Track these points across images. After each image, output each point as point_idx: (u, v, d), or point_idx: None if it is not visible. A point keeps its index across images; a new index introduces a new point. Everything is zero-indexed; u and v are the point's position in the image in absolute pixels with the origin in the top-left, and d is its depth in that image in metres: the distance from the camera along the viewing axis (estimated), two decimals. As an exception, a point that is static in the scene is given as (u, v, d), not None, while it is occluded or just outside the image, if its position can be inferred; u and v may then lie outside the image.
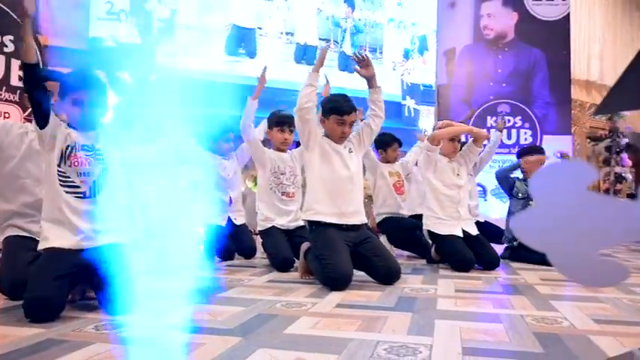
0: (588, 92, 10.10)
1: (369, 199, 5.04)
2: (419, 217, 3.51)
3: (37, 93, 1.81)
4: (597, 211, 0.54)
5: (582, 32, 9.41)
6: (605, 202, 0.55)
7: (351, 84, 5.43)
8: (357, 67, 2.67)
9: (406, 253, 3.94)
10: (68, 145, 1.91)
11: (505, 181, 3.77)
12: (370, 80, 2.70)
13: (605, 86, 10.34)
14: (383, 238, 3.84)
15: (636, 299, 2.21)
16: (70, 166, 1.89)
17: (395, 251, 3.88)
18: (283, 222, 3.28)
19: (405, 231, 3.69)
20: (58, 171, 1.88)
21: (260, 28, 4.80)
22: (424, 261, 3.48)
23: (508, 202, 3.85)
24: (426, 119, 6.21)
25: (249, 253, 3.54)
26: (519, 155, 3.84)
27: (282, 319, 1.73)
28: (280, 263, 2.99)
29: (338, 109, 2.59)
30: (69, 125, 1.96)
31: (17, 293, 1.90)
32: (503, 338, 1.53)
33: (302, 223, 3.21)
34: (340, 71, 5.41)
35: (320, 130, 2.69)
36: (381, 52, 5.73)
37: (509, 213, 3.66)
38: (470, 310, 1.93)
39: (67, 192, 1.87)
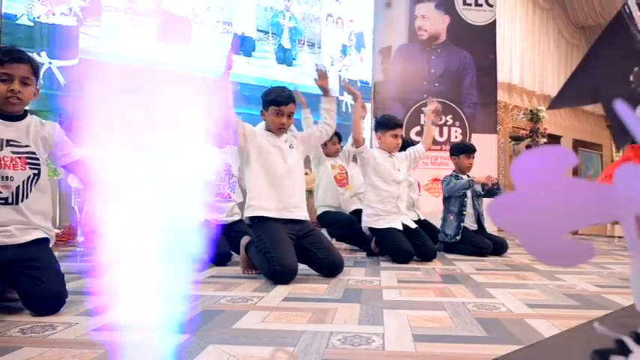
0: (510, 95, 10.73)
1: (308, 194, 5.07)
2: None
3: None
4: (573, 193, 0.56)
5: (505, 39, 9.96)
6: (581, 185, 0.57)
7: (289, 77, 5.42)
8: (316, 78, 2.77)
9: (346, 245, 3.98)
10: None
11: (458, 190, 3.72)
12: (325, 90, 2.79)
13: (525, 90, 11.07)
14: (323, 232, 3.86)
15: (560, 285, 2.38)
16: None
17: (336, 244, 3.92)
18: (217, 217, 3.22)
19: (344, 225, 3.73)
20: None
21: (197, 16, 4.65)
22: (364, 253, 3.53)
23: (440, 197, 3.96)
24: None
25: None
26: (452, 152, 3.95)
27: (230, 315, 1.69)
28: (217, 257, 2.92)
29: (275, 101, 2.60)
30: None
31: None
32: (449, 324, 1.58)
33: (237, 218, 3.18)
34: (278, 64, 5.36)
35: (258, 127, 2.72)
36: (319, 47, 5.74)
37: (448, 211, 3.74)
38: (414, 300, 1.98)
39: None
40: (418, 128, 6.39)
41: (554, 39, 12.21)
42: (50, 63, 3.85)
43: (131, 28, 4.21)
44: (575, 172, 12.81)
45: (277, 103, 2.60)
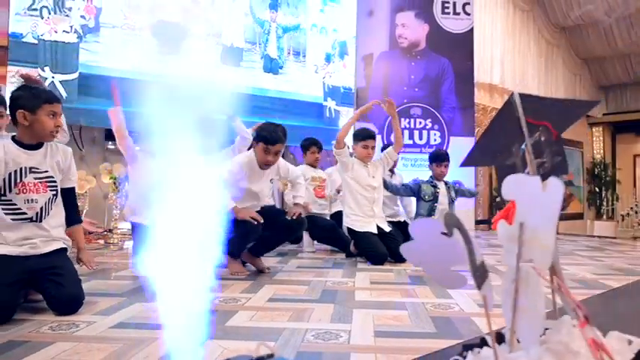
0: (491, 95, 11.06)
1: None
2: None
3: None
4: (445, 246, 0.87)
5: (486, 40, 10.24)
6: (448, 242, 0.87)
7: (275, 85, 5.69)
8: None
9: (327, 247, 4.28)
10: (15, 171, 1.94)
11: (404, 191, 4.06)
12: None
13: (506, 90, 11.41)
14: (306, 235, 4.17)
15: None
16: (17, 193, 1.94)
17: (317, 246, 4.23)
18: None
19: (326, 230, 4.03)
20: (2, 199, 1.92)
21: (188, 29, 4.90)
22: (344, 255, 3.84)
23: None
24: (346, 118, 6.57)
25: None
26: (430, 160, 4.22)
27: (222, 314, 1.98)
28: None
29: (265, 138, 2.88)
30: (13, 139, 2.00)
31: None
32: (407, 322, 1.89)
33: None
34: (265, 73, 5.63)
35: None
36: (304, 56, 6.01)
37: (417, 214, 4.07)
38: (382, 300, 2.28)
39: (12, 219, 1.93)
40: (399, 132, 6.70)
41: (535, 39, 12.53)
42: (53, 77, 4.10)
43: (127, 42, 4.45)
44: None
45: (266, 141, 2.89)
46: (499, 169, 1.04)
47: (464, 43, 6.90)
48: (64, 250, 2.08)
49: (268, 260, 3.51)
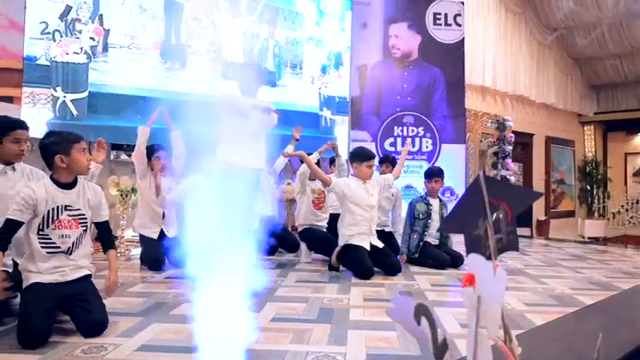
0: (484, 97, 11.30)
1: (289, 202, 5.63)
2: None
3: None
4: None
5: (478, 43, 10.45)
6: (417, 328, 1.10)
7: (273, 97, 5.89)
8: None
9: (323, 257, 4.50)
10: (52, 209, 2.16)
11: (409, 224, 4.29)
12: None
13: (498, 91, 11.65)
14: (303, 245, 4.41)
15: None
16: (53, 229, 2.16)
17: (313, 255, 4.46)
18: None
19: (322, 241, 4.26)
20: (40, 233, 2.15)
21: (189, 46, 5.10)
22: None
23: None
24: (341, 127, 6.81)
25: (180, 263, 3.93)
26: (425, 176, 4.44)
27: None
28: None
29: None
30: (51, 178, 2.23)
31: None
32: (395, 344, 2.13)
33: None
34: (263, 85, 5.83)
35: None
36: (300, 68, 6.21)
37: (413, 231, 4.25)
38: (373, 320, 2.52)
39: (47, 252, 2.16)
40: (392, 139, 6.95)
41: (527, 41, 12.74)
42: (64, 97, 4.32)
43: (134, 61, 4.65)
44: (548, 168, 13.53)
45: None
46: (467, 238, 1.26)
47: (455, 53, 7.13)
48: (89, 276, 2.32)
49: (268, 273, 3.76)
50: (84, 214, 2.27)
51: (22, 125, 2.50)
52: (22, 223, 2.13)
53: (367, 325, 2.41)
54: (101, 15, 4.49)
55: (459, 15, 7.14)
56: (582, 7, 12.09)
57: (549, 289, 3.32)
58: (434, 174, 4.31)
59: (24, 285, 2.17)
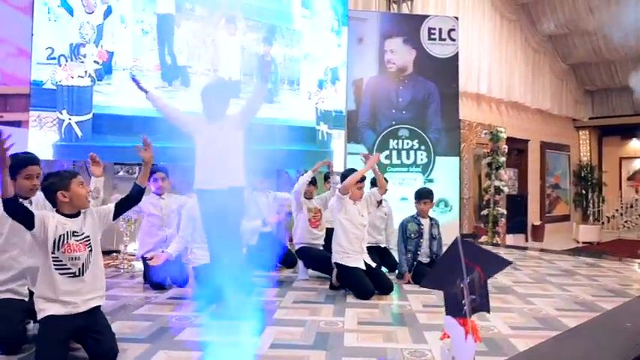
0: (479, 104, 11.45)
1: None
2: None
3: (17, 214, 2.29)
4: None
5: (473, 51, 10.59)
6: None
7: (271, 113, 6.05)
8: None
9: (319, 274, 4.64)
10: (61, 235, 2.35)
11: (402, 241, 4.42)
12: None
13: (493, 98, 11.79)
14: (300, 263, 4.55)
15: (485, 326, 3.09)
16: (63, 252, 2.35)
17: (310, 272, 4.60)
18: None
19: (318, 259, 4.41)
20: (53, 257, 2.33)
21: (190, 67, 5.24)
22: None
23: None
24: (337, 140, 6.95)
25: (182, 282, 4.07)
26: (415, 197, 4.57)
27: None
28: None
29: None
30: (57, 211, 2.41)
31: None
32: (386, 373, 2.28)
33: None
34: (260, 102, 5.98)
35: None
36: (298, 84, 6.36)
37: (407, 250, 4.39)
38: (367, 346, 2.67)
39: (60, 273, 2.34)
40: (387, 152, 7.10)
41: (522, 48, 12.87)
42: (70, 119, 4.47)
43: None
44: (543, 173, 13.70)
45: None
46: (446, 294, 1.41)
47: (449, 67, 7.28)
48: (99, 307, 2.48)
49: (266, 292, 3.91)
50: (89, 237, 2.46)
51: (33, 161, 2.68)
52: (33, 214, 2.31)
53: (360, 352, 2.56)
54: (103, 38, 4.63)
55: (454, 30, 7.29)
56: (576, 15, 12.23)
57: (535, 310, 3.47)
58: (423, 196, 4.44)
59: (39, 317, 2.32)
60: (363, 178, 4.07)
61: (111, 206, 2.65)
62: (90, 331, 2.35)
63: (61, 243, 2.35)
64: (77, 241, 2.40)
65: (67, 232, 2.38)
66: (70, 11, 4.45)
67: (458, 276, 1.38)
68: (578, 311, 3.47)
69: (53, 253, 2.34)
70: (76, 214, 2.46)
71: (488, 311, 1.45)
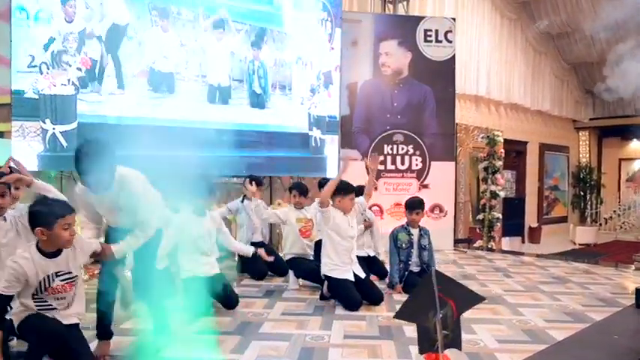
0: (477, 106, 11.36)
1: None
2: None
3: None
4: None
5: (472, 51, 10.50)
6: None
7: (262, 119, 5.98)
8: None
9: (309, 283, 4.57)
10: (43, 279, 2.23)
11: (394, 253, 4.33)
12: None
13: (492, 100, 11.69)
14: (291, 273, 4.48)
15: (471, 339, 3.01)
16: (47, 294, 2.26)
17: (301, 282, 4.54)
18: None
19: (309, 270, 4.35)
20: (35, 297, 2.25)
21: (178, 73, 5.17)
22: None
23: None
24: (331, 146, 6.85)
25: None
26: (406, 207, 4.49)
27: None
28: None
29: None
30: (37, 247, 2.24)
31: None
32: (367, 394, 2.21)
33: None
34: (251, 108, 5.91)
35: None
36: (290, 89, 6.27)
37: (400, 261, 4.28)
38: (350, 363, 2.61)
39: (43, 310, 2.27)
40: (381, 158, 7.02)
41: (522, 48, 12.73)
42: (54, 129, 4.38)
43: (121, 90, 4.72)
44: (541, 175, 13.63)
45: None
46: (419, 327, 1.34)
47: (445, 70, 7.19)
48: (78, 325, 2.42)
49: (256, 302, 3.85)
50: (75, 276, 2.35)
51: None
52: (13, 295, 2.22)
53: (343, 370, 2.50)
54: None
55: (450, 32, 7.19)
56: (580, 13, 12.09)
57: (523, 322, 3.41)
58: (415, 206, 4.35)
59: (21, 317, 2.27)
60: (354, 190, 3.99)
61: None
62: (68, 346, 2.29)
63: (44, 287, 2.25)
64: (62, 281, 2.30)
65: (50, 274, 2.26)
66: (48, 20, 4.36)
67: (431, 309, 1.32)
68: (567, 322, 3.42)
69: (36, 294, 2.25)
70: (57, 252, 2.29)
71: (460, 349, 1.39)
